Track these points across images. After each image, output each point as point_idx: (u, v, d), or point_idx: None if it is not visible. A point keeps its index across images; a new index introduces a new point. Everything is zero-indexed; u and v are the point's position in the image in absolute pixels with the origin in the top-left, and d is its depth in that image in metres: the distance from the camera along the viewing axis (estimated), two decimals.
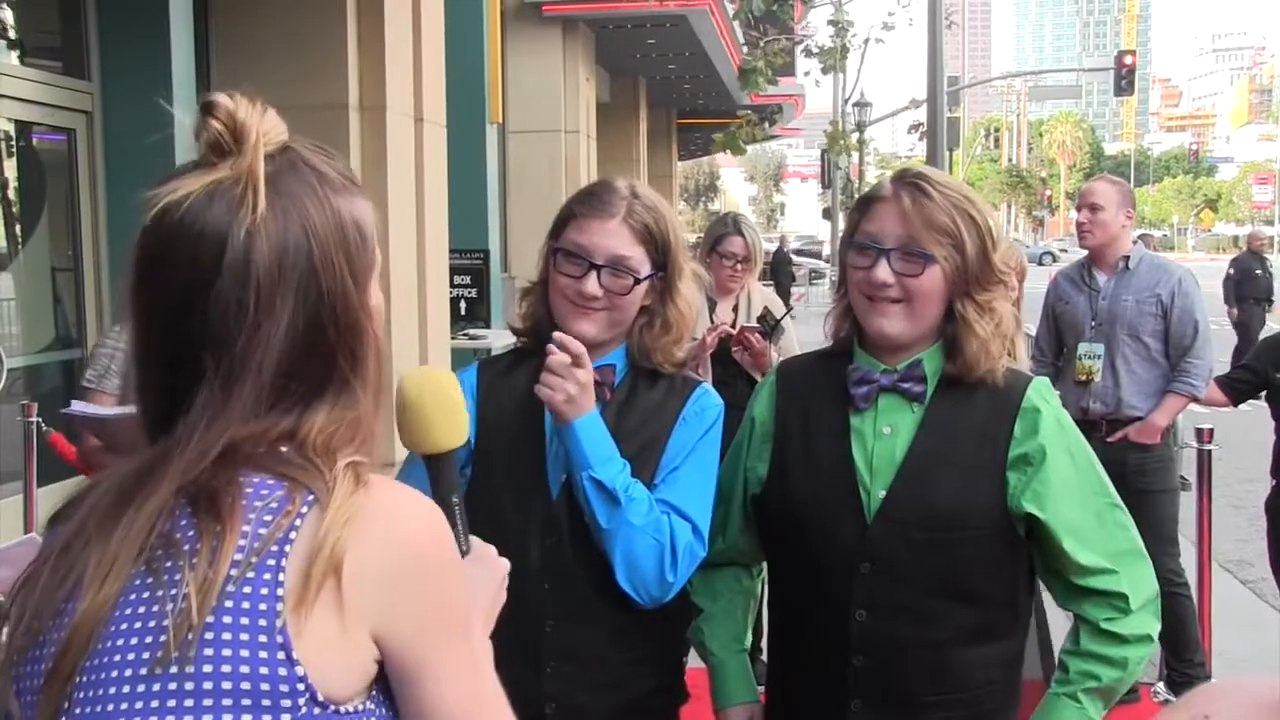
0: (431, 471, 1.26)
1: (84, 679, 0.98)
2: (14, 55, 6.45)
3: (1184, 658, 4.38)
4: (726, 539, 2.00)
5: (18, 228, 6.60)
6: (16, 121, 6.28)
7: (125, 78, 6.29)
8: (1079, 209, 4.61)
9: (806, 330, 5.02)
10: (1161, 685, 4.47)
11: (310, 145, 1.13)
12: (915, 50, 11.94)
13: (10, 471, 5.59)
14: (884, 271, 1.78)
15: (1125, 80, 25.75)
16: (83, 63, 6.40)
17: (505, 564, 1.26)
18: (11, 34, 6.56)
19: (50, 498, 5.15)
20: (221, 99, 1.07)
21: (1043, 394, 1.83)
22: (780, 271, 25.15)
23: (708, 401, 1.95)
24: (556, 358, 1.82)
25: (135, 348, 1.09)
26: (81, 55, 6.40)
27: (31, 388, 6.36)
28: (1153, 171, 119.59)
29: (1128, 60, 25.92)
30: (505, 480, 1.91)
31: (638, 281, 1.90)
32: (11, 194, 6.54)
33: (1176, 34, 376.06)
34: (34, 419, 5.11)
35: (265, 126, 1.08)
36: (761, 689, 2.02)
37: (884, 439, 1.82)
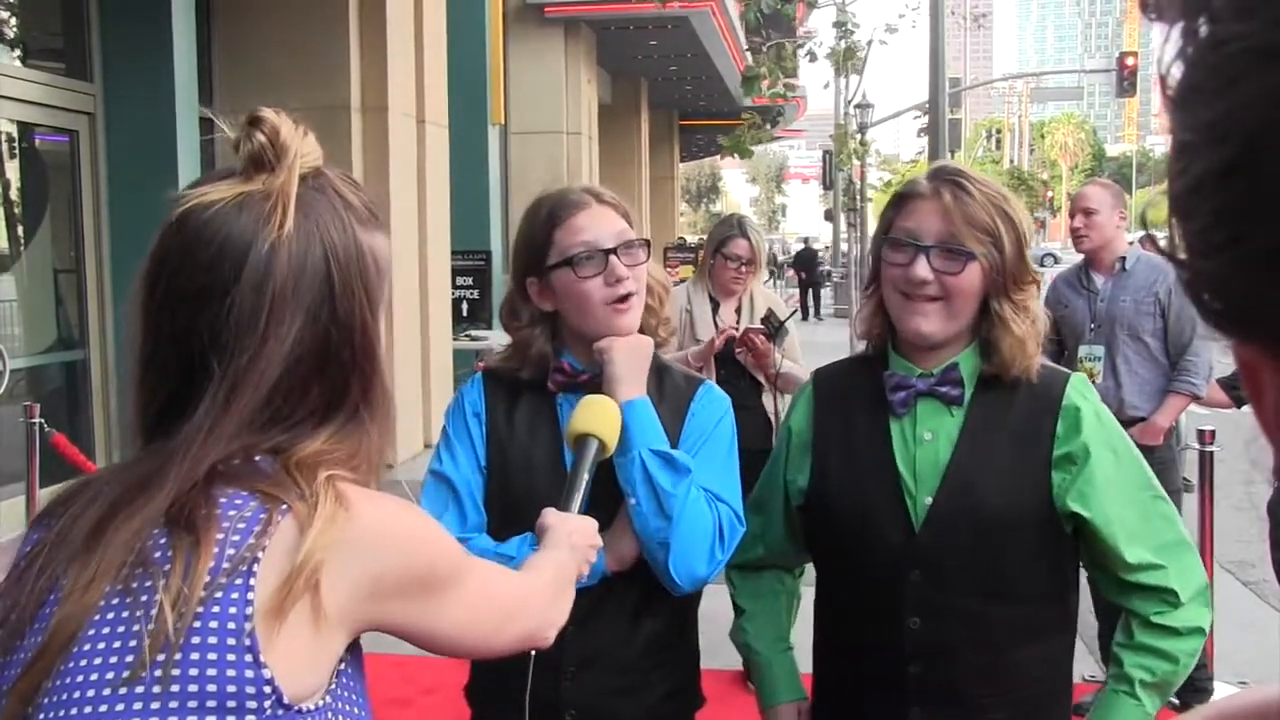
0: (578, 448, 1.66)
1: (55, 684, 0.98)
2: (16, 57, 6.46)
3: None
4: (768, 546, 1.99)
5: (20, 229, 6.61)
6: (19, 123, 6.28)
7: (128, 79, 6.30)
8: (1072, 215, 4.60)
9: (824, 331, 5.01)
10: None
11: (341, 175, 1.16)
12: (917, 51, 11.93)
13: (12, 472, 5.60)
14: (923, 268, 1.75)
15: (1127, 81, 25.74)
16: (85, 64, 6.41)
17: (598, 541, 1.58)
18: (14, 35, 6.57)
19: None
20: (268, 114, 1.10)
21: (1081, 391, 1.82)
22: (811, 268, 25.33)
23: (712, 395, 1.94)
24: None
25: (138, 342, 1.10)
26: (84, 57, 6.41)
27: (34, 389, 6.37)
28: (1154, 173, 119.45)
29: (1130, 61, 25.91)
30: (525, 481, 1.87)
31: (647, 245, 1.88)
32: (14, 195, 6.55)
33: None
34: (36, 420, 5.12)
35: (304, 149, 1.11)
36: None
37: (925, 445, 1.79)
